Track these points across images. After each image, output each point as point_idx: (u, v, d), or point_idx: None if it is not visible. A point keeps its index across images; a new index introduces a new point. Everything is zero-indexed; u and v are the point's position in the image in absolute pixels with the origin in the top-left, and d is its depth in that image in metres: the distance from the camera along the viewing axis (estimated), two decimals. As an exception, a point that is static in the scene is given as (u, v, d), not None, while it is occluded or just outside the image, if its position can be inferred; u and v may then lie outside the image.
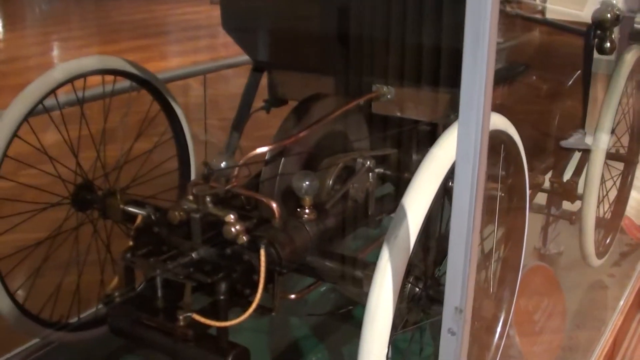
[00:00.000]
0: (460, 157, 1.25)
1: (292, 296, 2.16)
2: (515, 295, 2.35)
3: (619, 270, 3.55)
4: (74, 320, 2.65)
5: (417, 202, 1.63)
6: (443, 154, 1.72)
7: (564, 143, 2.99)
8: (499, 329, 2.37)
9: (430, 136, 2.47)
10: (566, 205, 3.28)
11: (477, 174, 1.24)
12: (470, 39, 1.17)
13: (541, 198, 3.24)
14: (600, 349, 2.89)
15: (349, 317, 2.96)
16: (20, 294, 2.46)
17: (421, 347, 2.11)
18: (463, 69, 1.19)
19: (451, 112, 2.30)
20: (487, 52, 1.17)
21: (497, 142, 1.99)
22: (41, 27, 8.23)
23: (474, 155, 1.23)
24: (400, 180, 2.48)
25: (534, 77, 2.70)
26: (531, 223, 2.35)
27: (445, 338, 1.38)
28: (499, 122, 1.97)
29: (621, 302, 3.22)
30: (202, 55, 7.14)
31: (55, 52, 7.26)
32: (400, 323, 1.87)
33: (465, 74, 1.19)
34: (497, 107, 1.93)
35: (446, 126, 2.09)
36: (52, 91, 2.39)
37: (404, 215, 1.60)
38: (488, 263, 2.17)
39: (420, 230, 1.62)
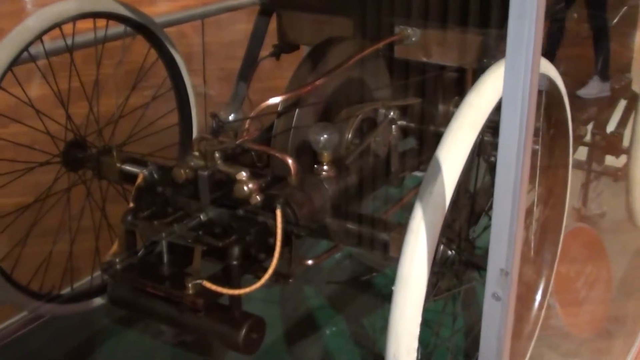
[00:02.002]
0: (506, 102, 1.24)
1: (310, 262, 2.16)
2: (557, 261, 2.35)
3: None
4: (66, 291, 2.67)
5: (453, 154, 1.63)
6: (480, 102, 1.71)
7: (581, 93, 2.97)
8: (538, 298, 2.38)
9: (458, 84, 2.47)
10: (609, 160, 3.27)
11: (526, 121, 1.23)
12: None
13: (581, 152, 3.23)
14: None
15: (370, 285, 2.97)
16: (7, 264, 2.46)
17: (454, 317, 2.11)
18: (511, 3, 1.18)
19: (483, 56, 2.29)
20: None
21: (539, 88, 1.98)
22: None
23: (522, 100, 1.22)
24: (424, 133, 2.48)
25: (575, 15, 2.68)
26: (571, 180, 2.35)
27: (489, 304, 1.38)
28: (542, 65, 1.96)
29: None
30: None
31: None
32: (432, 290, 1.88)
33: (514, 9, 1.18)
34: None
35: (477, 72, 2.08)
36: (38, 37, 2.38)
37: (438, 169, 1.60)
38: (528, 222, 2.17)
39: (456, 186, 1.62)
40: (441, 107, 2.50)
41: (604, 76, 2.99)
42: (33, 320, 2.75)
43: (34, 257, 2.56)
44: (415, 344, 1.59)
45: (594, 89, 2.98)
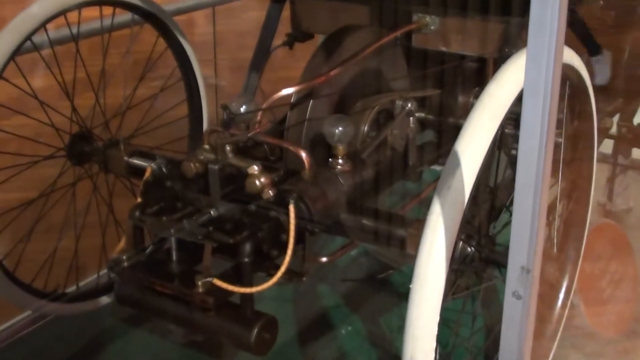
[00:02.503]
0: (528, 93, 1.25)
1: (324, 259, 2.17)
2: (580, 258, 2.35)
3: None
4: (71, 289, 2.68)
5: (472, 147, 1.62)
6: (501, 92, 1.71)
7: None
8: (561, 297, 2.38)
9: (478, 74, 2.47)
10: (636, 153, 3.26)
11: (549, 112, 1.23)
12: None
13: (607, 145, 3.23)
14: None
15: (387, 283, 2.97)
16: (10, 261, 2.47)
17: (474, 316, 2.11)
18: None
19: (505, 45, 2.29)
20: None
21: (562, 78, 1.98)
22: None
23: (544, 90, 1.23)
24: (443, 125, 2.48)
25: (601, 1, 2.68)
26: (596, 174, 2.35)
27: (509, 302, 1.38)
28: (565, 54, 1.96)
29: None
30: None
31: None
32: (450, 288, 1.88)
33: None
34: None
35: (498, 62, 2.07)
36: (42, 25, 2.38)
37: (457, 163, 1.60)
38: (551, 218, 2.17)
39: (476, 180, 1.62)
40: (461, 99, 2.50)
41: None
42: (37, 320, 2.75)
43: (37, 255, 2.57)
44: (433, 344, 1.59)
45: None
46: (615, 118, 3.09)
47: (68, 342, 2.72)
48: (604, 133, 2.85)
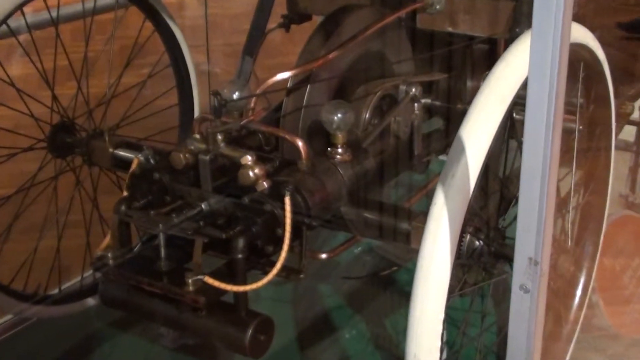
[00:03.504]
0: (533, 74, 1.27)
1: (323, 255, 2.19)
2: (599, 252, 2.37)
3: None
4: (54, 291, 2.70)
5: (478, 133, 1.64)
6: (509, 73, 1.73)
7: None
8: (578, 295, 2.39)
9: (488, 57, 2.48)
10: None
11: (555, 94, 1.25)
12: None
13: (629, 132, 3.23)
14: None
15: (391, 281, 2.99)
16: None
17: (483, 315, 2.14)
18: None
19: (516, 25, 2.30)
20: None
21: (576, 59, 2.00)
22: None
23: (550, 71, 1.24)
24: (451, 112, 2.49)
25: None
26: (616, 163, 2.36)
27: (516, 297, 1.40)
28: (578, 33, 1.98)
29: None
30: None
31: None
32: (457, 284, 1.90)
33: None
34: (574, 16, 1.93)
35: (509, 43, 2.09)
36: (18, 8, 2.38)
37: (462, 150, 1.62)
38: (565, 210, 2.18)
39: (481, 168, 1.64)
40: (469, 83, 2.52)
41: None
42: (16, 324, 2.76)
43: (16, 255, 2.59)
44: (437, 342, 1.61)
45: None
46: (638, 103, 3.10)
47: (50, 348, 2.72)
48: (624, 118, 2.87)
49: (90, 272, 2.71)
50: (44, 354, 2.72)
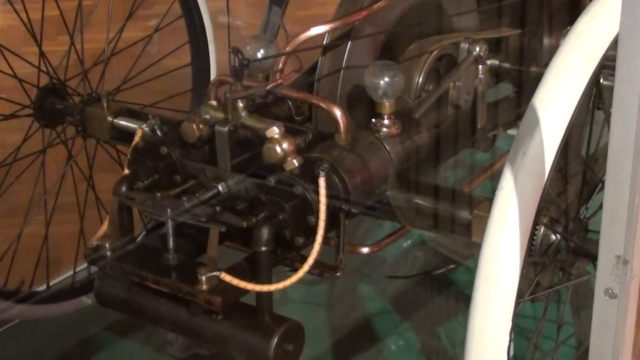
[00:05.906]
0: (625, 30, 1.25)
1: (365, 250, 2.18)
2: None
3: None
4: (41, 289, 2.71)
5: (556, 102, 1.63)
6: (596, 29, 1.71)
7: None
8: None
9: (571, 8, 2.46)
10: None
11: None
12: None
13: None
14: None
15: (447, 282, 2.99)
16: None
17: (559, 324, 2.13)
18: None
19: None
20: None
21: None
22: None
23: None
24: (523, 76, 2.48)
25: None
26: None
27: (601, 302, 1.39)
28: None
29: None
30: None
31: None
32: (527, 287, 1.89)
33: None
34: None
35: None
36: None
37: (536, 123, 1.60)
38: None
39: (560, 145, 1.62)
40: (547, 41, 2.50)
41: None
42: (-2, 325, 2.79)
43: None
44: (503, 357, 1.60)
45: None
46: None
47: (34, 356, 2.75)
48: None
49: (85, 265, 2.72)
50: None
